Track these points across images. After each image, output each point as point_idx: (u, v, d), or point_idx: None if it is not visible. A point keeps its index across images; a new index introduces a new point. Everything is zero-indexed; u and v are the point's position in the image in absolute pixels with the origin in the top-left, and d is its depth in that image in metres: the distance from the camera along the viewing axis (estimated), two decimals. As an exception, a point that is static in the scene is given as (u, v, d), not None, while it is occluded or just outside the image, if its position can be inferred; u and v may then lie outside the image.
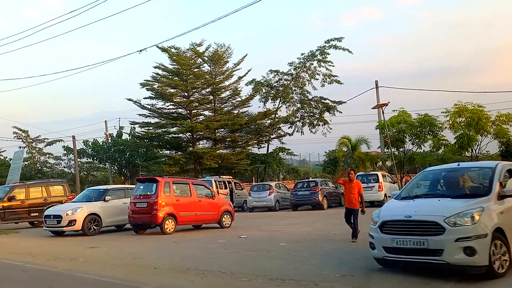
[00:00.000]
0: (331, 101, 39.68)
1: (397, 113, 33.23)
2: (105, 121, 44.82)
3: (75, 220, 16.91)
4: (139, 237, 16.31)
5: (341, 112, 39.49)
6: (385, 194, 25.76)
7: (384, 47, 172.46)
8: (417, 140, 33.05)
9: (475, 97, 77.58)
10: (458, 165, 9.02)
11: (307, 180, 30.00)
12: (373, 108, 31.72)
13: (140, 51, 22.14)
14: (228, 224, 18.39)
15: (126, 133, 40.32)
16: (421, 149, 33.59)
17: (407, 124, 32.45)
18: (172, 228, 16.52)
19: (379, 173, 26.40)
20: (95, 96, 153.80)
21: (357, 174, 27.42)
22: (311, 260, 9.86)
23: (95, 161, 42.21)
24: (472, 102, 30.56)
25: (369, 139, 38.29)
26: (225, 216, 18.41)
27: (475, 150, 30.82)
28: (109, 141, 41.36)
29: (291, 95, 39.57)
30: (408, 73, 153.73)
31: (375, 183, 25.70)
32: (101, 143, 39.87)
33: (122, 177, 39.86)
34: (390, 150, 32.50)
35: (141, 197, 17.01)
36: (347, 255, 10.31)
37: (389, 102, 30.29)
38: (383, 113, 30.94)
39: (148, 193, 16.93)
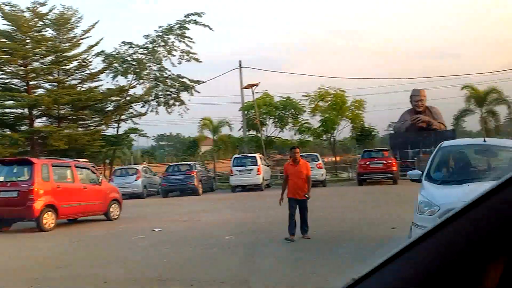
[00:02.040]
0: (189, 80, 37.34)
1: (259, 95, 32.64)
2: None
3: None
4: (4, 237, 12.43)
5: (199, 92, 37.38)
6: (263, 178, 24.83)
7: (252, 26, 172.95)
8: (279, 123, 32.94)
9: (337, 81, 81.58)
10: (485, 141, 7.90)
11: (180, 163, 27.50)
12: (244, 88, 30.48)
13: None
14: (116, 215, 15.27)
15: None
16: (283, 132, 33.60)
17: (271, 107, 32.09)
18: (52, 222, 12.93)
19: (258, 156, 25.28)
20: None
21: (234, 156, 26.00)
22: (308, 259, 7.99)
23: None
24: (334, 87, 31.43)
25: (231, 122, 37.08)
26: (113, 205, 15.23)
27: (335, 134, 31.86)
28: None
29: (146, 71, 36.15)
30: (278, 55, 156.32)
31: (254, 166, 24.48)
32: None
33: None
34: (258, 132, 31.78)
35: (8, 184, 12.95)
36: (341, 248, 8.68)
37: (259, 83, 29.45)
38: (253, 93, 29.95)
39: (19, 179, 12.98)
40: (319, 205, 14.70)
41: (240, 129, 34.67)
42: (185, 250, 9.18)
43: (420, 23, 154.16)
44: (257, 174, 24.38)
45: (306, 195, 9.64)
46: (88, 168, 15.37)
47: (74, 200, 13.72)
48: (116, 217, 15.21)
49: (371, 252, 7.83)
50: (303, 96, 32.98)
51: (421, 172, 7.89)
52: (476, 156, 7.95)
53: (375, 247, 8.37)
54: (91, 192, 14.39)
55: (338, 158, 59.09)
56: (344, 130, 32.81)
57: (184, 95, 37.54)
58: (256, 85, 29.33)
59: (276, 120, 33.10)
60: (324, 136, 32.51)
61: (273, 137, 33.75)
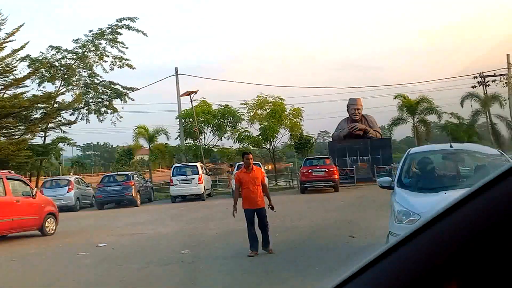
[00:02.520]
0: (122, 86, 35.91)
1: (197, 103, 32.03)
2: None
3: None
4: None
5: (133, 100, 36.06)
6: (204, 187, 24.19)
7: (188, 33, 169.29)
8: (218, 131, 32.45)
9: (275, 90, 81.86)
10: (451, 146, 7.81)
11: (117, 173, 26.13)
12: (182, 95, 29.64)
13: None
14: (52, 230, 14.07)
15: None
16: (221, 140, 33.12)
17: (210, 115, 31.56)
18: (-20, 241, 11.62)
19: (198, 165, 24.58)
20: None
21: (174, 165, 25.19)
22: (275, 272, 7.56)
23: None
24: (273, 95, 31.44)
25: (168, 130, 35.92)
26: (48, 220, 14.01)
27: (275, 142, 31.83)
28: None
29: (76, 77, 34.35)
30: (216, 64, 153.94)
31: (195, 175, 23.77)
32: None
33: None
34: (195, 141, 31.06)
35: None
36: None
37: (198, 90, 28.77)
38: (191, 101, 29.24)
39: None
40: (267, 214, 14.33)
41: (177, 138, 33.76)
42: (139, 267, 8.45)
43: (352, 37, 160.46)
44: (198, 183, 23.70)
45: (270, 206, 9.14)
46: (21, 180, 14.08)
47: (6, 215, 12.43)
48: (52, 232, 14.01)
49: (336, 263, 7.56)
50: (241, 104, 32.77)
51: (391, 179, 7.72)
52: (444, 161, 7.89)
53: (339, 257, 8.13)
54: (24, 206, 13.12)
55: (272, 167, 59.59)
56: (282, 138, 32.91)
57: (117, 103, 36.12)
58: (195, 92, 28.70)
59: (214, 128, 32.58)
60: (264, 145, 32.35)
61: (211, 146, 33.17)
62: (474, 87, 35.13)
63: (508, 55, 32.85)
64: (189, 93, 28.82)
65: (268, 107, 31.24)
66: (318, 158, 24.82)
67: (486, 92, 34.67)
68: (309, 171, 23.56)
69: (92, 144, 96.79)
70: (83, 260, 9.46)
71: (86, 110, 35.77)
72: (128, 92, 36.19)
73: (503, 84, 34.41)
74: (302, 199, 21.23)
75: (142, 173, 29.89)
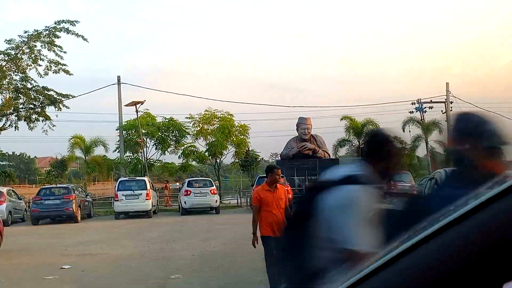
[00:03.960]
0: (56, 93, 33.42)
1: (140, 115, 30.45)
2: None
3: None
4: None
5: (68, 108, 33.68)
6: (152, 204, 22.74)
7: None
8: (161, 145, 31.03)
9: (223, 105, 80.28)
10: None
11: (56, 186, 23.87)
12: (127, 105, 27.93)
13: None
14: (-5, 248, 12.23)
15: None
16: (165, 155, 31.65)
17: (154, 127, 30.16)
18: None
19: (147, 179, 23.09)
20: None
21: (120, 179, 23.61)
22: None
23: None
24: (222, 110, 30.65)
25: (107, 141, 33.71)
26: (-10, 236, 12.19)
27: (222, 159, 30.92)
28: None
29: (6, 80, 31.53)
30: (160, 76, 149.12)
31: (142, 191, 22.24)
32: None
33: None
34: (137, 154, 29.43)
35: None
36: None
37: (144, 100, 27.28)
38: (137, 112, 27.70)
39: None
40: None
41: (115, 150, 31.81)
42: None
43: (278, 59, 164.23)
44: (146, 199, 22.19)
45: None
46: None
47: None
48: (-5, 251, 12.19)
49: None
50: (186, 118, 31.59)
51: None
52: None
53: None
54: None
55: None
56: (229, 155, 32.05)
57: (50, 110, 33.56)
58: (141, 102, 27.21)
59: (157, 142, 31.10)
60: (209, 161, 31.31)
61: (152, 160, 31.61)
62: (411, 112, 36.45)
63: (447, 83, 34.40)
64: (135, 103, 27.26)
65: (216, 122, 30.36)
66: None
67: (423, 118, 36.04)
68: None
69: (7, 154, 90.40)
70: (53, 285, 8.07)
71: (16, 116, 32.98)
72: (63, 99, 33.77)
73: (441, 110, 35.97)
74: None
75: (81, 186, 27.65)
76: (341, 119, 33.18)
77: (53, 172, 34.62)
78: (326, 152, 30.27)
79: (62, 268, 9.59)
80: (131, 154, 31.79)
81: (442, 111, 36.28)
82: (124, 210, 22.28)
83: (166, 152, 31.34)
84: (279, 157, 30.95)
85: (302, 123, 29.52)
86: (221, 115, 30.48)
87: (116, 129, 30.71)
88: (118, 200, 22.12)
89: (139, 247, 12.68)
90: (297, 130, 29.97)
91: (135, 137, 31.16)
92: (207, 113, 30.60)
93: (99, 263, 10.39)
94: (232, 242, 12.78)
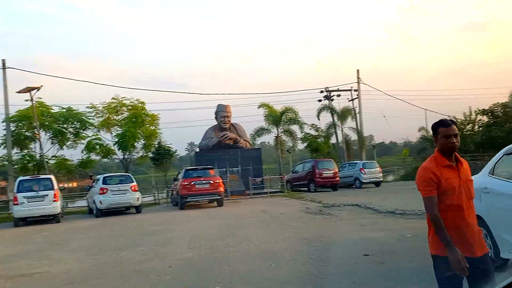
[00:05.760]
0: None
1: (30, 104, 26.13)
2: None
3: None
4: None
5: None
6: (61, 206, 19.24)
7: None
8: (58, 139, 26.99)
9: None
10: None
11: None
12: (20, 92, 23.40)
13: None
14: None
15: None
16: (63, 150, 27.56)
17: (52, 118, 26.13)
18: None
19: (53, 178, 19.44)
20: None
21: (19, 178, 19.72)
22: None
23: None
24: (132, 98, 27.48)
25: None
26: None
27: (133, 152, 27.72)
28: None
29: None
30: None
31: (49, 191, 18.65)
32: None
33: None
34: (29, 150, 25.17)
35: None
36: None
37: (41, 86, 23.13)
38: (32, 100, 23.50)
39: None
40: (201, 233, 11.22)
41: (1, 146, 27.00)
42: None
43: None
44: (54, 201, 18.65)
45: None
46: None
47: None
48: None
49: None
50: (87, 107, 27.80)
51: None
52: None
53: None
54: None
55: (75, 184, 52.57)
56: (137, 149, 28.83)
57: None
58: (38, 88, 23.02)
59: (53, 135, 26.98)
60: (117, 154, 27.88)
61: (48, 157, 27.37)
62: (320, 100, 36.20)
63: (358, 70, 34.58)
64: (29, 89, 22.99)
65: (126, 111, 27.09)
66: (201, 168, 21.82)
67: (331, 106, 35.98)
68: (192, 183, 20.50)
69: None
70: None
71: None
72: None
73: (348, 98, 36.17)
74: (196, 215, 17.96)
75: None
76: (259, 107, 31.71)
77: None
78: (248, 141, 28.64)
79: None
80: (20, 150, 27.28)
81: (348, 99, 36.56)
82: (27, 215, 18.55)
83: (64, 146, 27.32)
84: (198, 149, 28.62)
85: (221, 110, 27.53)
86: (131, 103, 27.27)
87: (2, 121, 26.07)
88: (18, 204, 18.29)
89: (83, 261, 9.78)
90: (216, 119, 27.92)
91: (24, 130, 26.78)
92: (114, 101, 27.20)
93: (44, 285, 7.56)
94: (199, 246, 10.49)
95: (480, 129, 36.78)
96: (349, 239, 10.13)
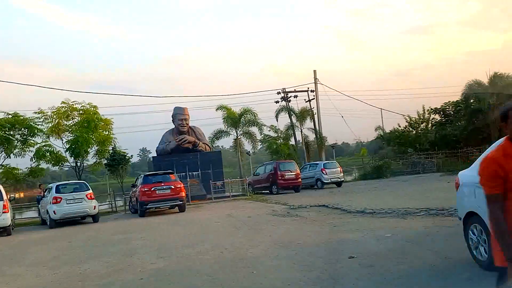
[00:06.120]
0: None
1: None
2: None
3: None
4: None
5: None
6: (11, 217, 17.96)
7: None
8: (3, 146, 25.41)
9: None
10: None
11: None
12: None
13: None
14: None
15: None
16: (10, 158, 25.95)
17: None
18: None
19: (2, 188, 18.10)
20: None
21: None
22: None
23: None
24: (83, 102, 26.23)
25: None
26: None
27: (87, 158, 26.44)
28: None
29: None
30: None
31: (-3, 202, 17.39)
32: None
33: None
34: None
35: None
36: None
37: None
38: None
39: None
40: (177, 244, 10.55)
41: None
42: None
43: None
44: (4, 212, 17.31)
45: None
46: None
47: None
48: None
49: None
50: (35, 112, 26.31)
51: None
52: None
53: None
54: None
55: (22, 194, 50.29)
56: (90, 155, 27.53)
57: None
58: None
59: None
60: (69, 162, 26.51)
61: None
62: (277, 102, 35.95)
63: (315, 70, 34.51)
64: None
65: (77, 115, 25.83)
66: (161, 173, 20.99)
67: (289, 107, 35.83)
68: (152, 189, 19.67)
69: None
70: None
71: None
72: None
73: (304, 99, 36.11)
74: (159, 223, 17.14)
75: None
76: (217, 109, 31.08)
77: None
78: (207, 144, 27.96)
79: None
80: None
81: (304, 100, 36.53)
82: (-27, 229, 17.16)
83: (11, 154, 25.74)
84: (156, 153, 27.65)
85: (178, 113, 26.75)
86: (82, 108, 26.01)
87: None
88: (-38, 217, 16.91)
89: (43, 276, 8.91)
90: (173, 122, 27.09)
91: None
92: (64, 105, 25.86)
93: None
94: (170, 255, 9.83)
95: (433, 127, 37.69)
96: (327, 241, 9.76)
